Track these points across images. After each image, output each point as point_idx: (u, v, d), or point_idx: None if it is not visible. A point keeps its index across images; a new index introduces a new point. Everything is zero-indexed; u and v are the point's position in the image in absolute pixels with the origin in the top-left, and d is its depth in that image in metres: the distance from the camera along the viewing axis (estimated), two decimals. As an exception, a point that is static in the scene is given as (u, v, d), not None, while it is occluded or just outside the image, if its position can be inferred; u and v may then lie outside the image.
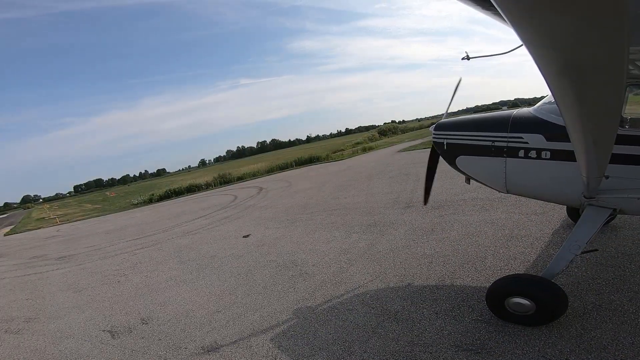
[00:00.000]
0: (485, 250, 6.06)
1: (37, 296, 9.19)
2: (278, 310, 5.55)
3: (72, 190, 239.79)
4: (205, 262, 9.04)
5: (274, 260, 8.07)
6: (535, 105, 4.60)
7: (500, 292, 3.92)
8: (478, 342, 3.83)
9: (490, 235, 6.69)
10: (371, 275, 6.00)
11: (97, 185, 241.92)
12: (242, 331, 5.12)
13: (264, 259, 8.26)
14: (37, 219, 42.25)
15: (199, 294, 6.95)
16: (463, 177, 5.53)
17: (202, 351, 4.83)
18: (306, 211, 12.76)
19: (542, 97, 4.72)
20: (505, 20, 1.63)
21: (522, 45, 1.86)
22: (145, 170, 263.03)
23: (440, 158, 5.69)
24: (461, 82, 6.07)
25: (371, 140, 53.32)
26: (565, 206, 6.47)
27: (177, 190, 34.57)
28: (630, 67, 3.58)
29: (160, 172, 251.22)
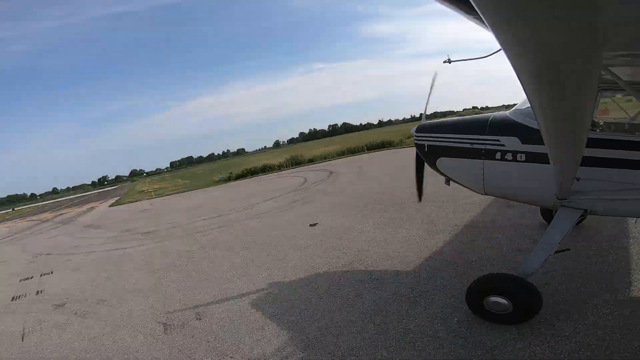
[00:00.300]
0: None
1: (116, 275, 9.69)
2: (338, 323, 4.86)
3: (169, 165, 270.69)
4: (268, 252, 8.81)
5: (340, 257, 7.44)
6: (512, 109, 4.69)
7: (478, 291, 4.06)
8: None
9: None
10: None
11: (189, 162, 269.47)
12: (292, 348, 4.55)
13: (329, 255, 7.67)
14: (139, 192, 47.70)
15: (256, 291, 6.60)
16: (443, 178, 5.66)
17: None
18: (378, 201, 12.04)
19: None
20: (485, 24, 1.69)
21: (501, 49, 1.91)
22: (228, 150, 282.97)
23: None
24: (436, 77, 6.00)
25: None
26: (539, 207, 6.39)
27: (252, 170, 36.71)
28: (602, 72, 3.57)
29: (240, 152, 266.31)
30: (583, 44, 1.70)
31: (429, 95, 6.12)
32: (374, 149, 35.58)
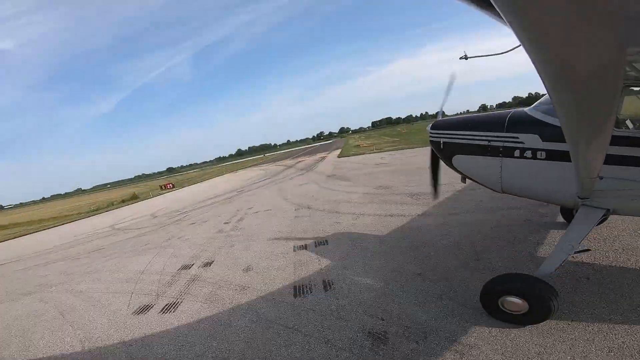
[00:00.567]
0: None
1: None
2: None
3: (370, 125, 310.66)
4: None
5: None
6: (532, 106, 4.53)
7: (494, 291, 3.98)
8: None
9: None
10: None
11: (388, 122, 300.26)
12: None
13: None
14: (354, 146, 52.24)
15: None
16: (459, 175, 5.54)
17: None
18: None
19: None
20: (503, 20, 1.64)
21: (520, 45, 1.87)
22: (426, 112, 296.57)
23: None
24: (454, 79, 5.82)
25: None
26: (559, 206, 6.02)
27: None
28: (627, 69, 3.32)
29: (409, 119, 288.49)
30: (606, 40, 1.64)
31: (446, 94, 6.03)
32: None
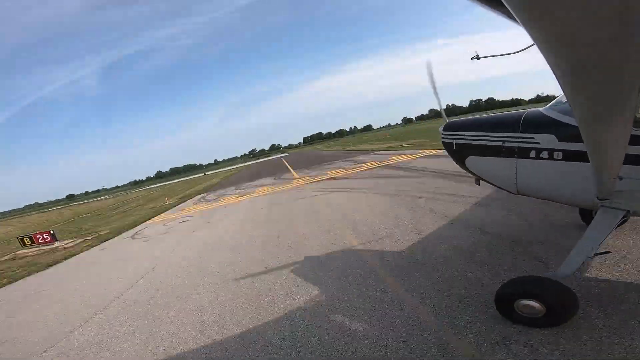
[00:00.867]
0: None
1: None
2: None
3: (302, 141, 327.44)
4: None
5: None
6: (547, 105, 4.45)
7: (510, 294, 3.89)
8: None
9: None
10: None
11: (319, 137, 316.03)
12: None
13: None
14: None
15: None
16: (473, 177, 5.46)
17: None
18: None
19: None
20: (515, 20, 1.62)
21: (533, 44, 1.84)
22: (355, 126, 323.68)
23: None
24: (431, 69, 5.61)
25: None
26: (578, 208, 5.82)
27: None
28: None
29: (367, 128, 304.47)
30: (623, 38, 1.60)
31: (435, 88, 5.86)
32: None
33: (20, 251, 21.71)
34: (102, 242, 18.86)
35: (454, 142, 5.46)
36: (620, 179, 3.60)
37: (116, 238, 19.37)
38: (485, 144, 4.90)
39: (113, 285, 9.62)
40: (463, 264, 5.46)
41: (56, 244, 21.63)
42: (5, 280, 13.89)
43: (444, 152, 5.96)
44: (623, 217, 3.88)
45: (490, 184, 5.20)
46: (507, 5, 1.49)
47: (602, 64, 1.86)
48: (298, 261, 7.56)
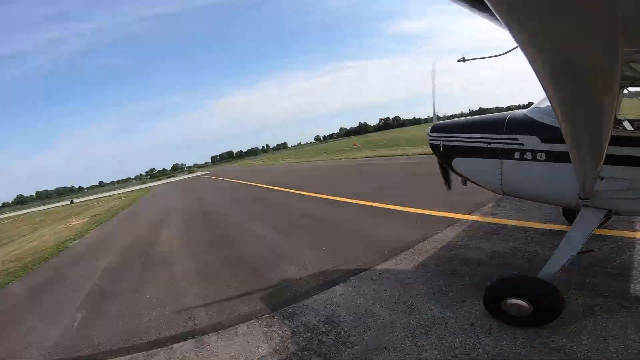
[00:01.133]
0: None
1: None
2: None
3: (209, 160, 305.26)
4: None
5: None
6: (530, 107, 4.54)
7: (496, 293, 3.94)
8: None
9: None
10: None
11: (229, 156, 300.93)
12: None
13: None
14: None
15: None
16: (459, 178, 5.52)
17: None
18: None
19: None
20: (498, 22, 1.64)
21: (517, 47, 1.87)
22: (267, 145, 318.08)
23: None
24: (435, 65, 5.63)
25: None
26: (561, 207, 5.98)
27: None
28: (625, 69, 3.30)
29: (280, 147, 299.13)
30: (603, 40, 1.65)
31: (434, 90, 5.86)
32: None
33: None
34: None
35: (441, 143, 5.50)
36: (602, 179, 3.70)
37: None
38: (471, 145, 4.96)
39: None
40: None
41: None
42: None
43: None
44: (605, 217, 3.99)
45: (477, 184, 5.24)
46: (491, 8, 1.51)
47: (584, 66, 1.91)
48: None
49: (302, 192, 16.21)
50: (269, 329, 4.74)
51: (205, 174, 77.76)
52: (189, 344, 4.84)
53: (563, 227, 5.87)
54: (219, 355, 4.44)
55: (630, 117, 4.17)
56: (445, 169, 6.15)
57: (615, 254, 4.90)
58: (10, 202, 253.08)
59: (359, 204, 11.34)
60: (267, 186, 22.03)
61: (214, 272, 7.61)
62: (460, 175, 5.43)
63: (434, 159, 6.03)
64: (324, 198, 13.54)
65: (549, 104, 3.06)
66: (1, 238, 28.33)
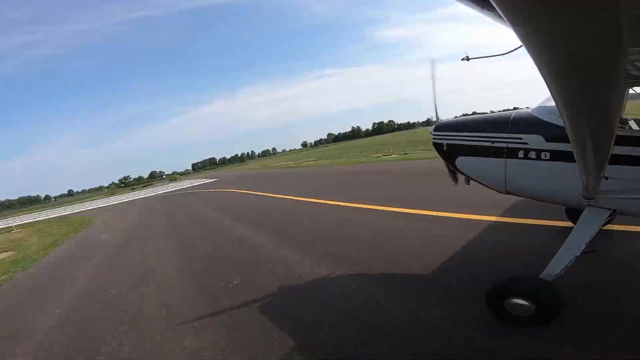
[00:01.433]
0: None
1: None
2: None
3: (190, 167, 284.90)
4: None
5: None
6: (535, 106, 4.52)
7: (499, 293, 3.95)
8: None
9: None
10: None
11: (211, 163, 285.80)
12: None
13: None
14: None
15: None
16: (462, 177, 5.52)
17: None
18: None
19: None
20: (503, 20, 1.63)
21: (521, 46, 1.86)
22: (252, 151, 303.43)
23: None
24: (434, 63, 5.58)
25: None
26: (564, 207, 5.87)
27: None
28: (630, 68, 3.31)
29: (266, 153, 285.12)
30: (609, 40, 1.63)
31: (434, 89, 5.85)
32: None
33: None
34: None
35: (445, 142, 5.49)
36: (606, 178, 3.67)
37: None
38: (474, 144, 4.96)
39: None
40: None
41: None
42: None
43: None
44: (609, 217, 3.99)
45: (480, 183, 5.25)
46: (495, 7, 1.50)
47: (590, 65, 1.88)
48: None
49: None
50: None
51: (200, 184, 49.83)
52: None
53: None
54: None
55: (636, 117, 4.17)
56: (453, 173, 6.11)
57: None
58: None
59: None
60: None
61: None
62: (463, 174, 5.43)
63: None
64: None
65: (554, 103, 3.06)
66: None
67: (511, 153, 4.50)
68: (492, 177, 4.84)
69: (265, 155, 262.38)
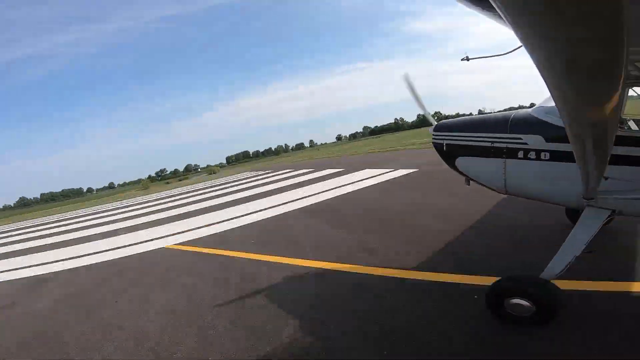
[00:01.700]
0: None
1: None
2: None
3: (225, 161, 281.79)
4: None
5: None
6: (534, 106, 4.53)
7: (499, 292, 3.94)
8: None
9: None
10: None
11: (245, 156, 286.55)
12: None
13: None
14: None
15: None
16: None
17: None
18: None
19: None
20: (503, 21, 1.63)
21: (521, 46, 1.86)
22: (286, 144, 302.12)
23: None
24: (408, 77, 5.79)
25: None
26: (565, 207, 5.93)
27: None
28: (630, 68, 3.30)
29: (300, 146, 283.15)
30: (608, 39, 1.63)
31: (417, 97, 5.95)
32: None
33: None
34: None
35: (444, 142, 5.49)
36: (606, 179, 3.69)
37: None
38: (474, 145, 4.96)
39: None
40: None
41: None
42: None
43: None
44: (609, 217, 3.97)
45: (480, 184, 5.24)
46: (495, 7, 1.49)
47: (590, 65, 1.87)
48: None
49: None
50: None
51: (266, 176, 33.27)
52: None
53: None
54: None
55: (636, 117, 4.18)
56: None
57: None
58: (13, 204, 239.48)
59: None
60: None
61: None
62: (463, 174, 5.43)
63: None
64: None
65: (553, 103, 3.06)
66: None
67: (511, 153, 4.50)
68: (492, 178, 4.84)
69: (299, 149, 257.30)
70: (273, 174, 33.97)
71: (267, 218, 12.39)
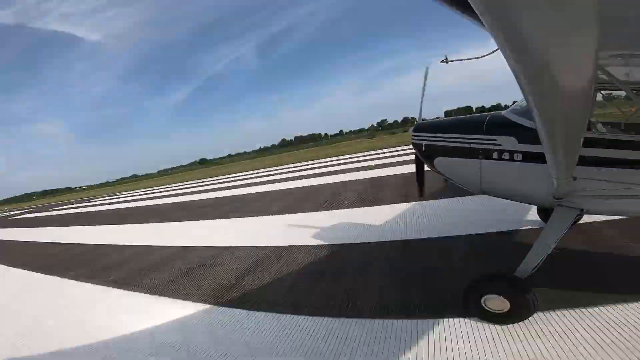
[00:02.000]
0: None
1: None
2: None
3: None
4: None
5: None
6: (509, 108, 4.66)
7: (476, 290, 4.03)
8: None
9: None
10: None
11: (282, 144, 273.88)
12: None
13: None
14: None
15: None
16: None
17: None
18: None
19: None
20: (484, 25, 1.66)
21: (497, 49, 1.90)
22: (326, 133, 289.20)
23: None
24: (428, 72, 5.90)
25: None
26: (536, 206, 6.36)
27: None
28: (599, 72, 3.38)
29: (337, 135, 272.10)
30: (579, 44, 1.70)
31: (423, 92, 6.04)
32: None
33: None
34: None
35: (424, 143, 5.56)
36: (575, 179, 3.82)
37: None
38: (452, 145, 5.04)
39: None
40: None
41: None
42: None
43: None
44: (577, 215, 4.13)
45: (457, 184, 5.33)
46: (474, 9, 1.52)
47: (560, 69, 1.95)
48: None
49: None
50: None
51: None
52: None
53: None
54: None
55: (603, 120, 4.32)
56: (421, 175, 6.37)
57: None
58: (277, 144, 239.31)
59: None
60: None
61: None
62: (441, 175, 5.51)
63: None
64: None
65: (527, 105, 3.15)
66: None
67: (486, 154, 4.59)
68: (468, 178, 4.94)
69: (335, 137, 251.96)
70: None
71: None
